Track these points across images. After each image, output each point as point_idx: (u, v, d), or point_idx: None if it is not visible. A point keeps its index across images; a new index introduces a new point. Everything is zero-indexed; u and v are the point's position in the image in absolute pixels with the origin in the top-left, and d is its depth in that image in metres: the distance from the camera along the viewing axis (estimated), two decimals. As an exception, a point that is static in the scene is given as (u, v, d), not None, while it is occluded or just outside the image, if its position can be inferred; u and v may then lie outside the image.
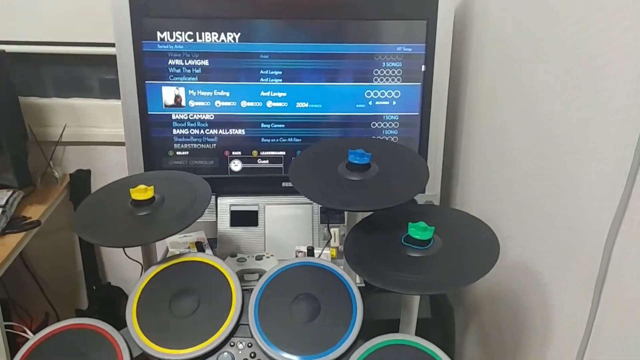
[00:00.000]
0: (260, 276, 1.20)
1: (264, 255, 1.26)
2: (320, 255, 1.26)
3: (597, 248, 0.81)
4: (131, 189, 0.98)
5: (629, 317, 0.75)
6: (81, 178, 1.59)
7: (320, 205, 1.34)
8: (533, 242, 1.04)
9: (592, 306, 0.83)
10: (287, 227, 1.34)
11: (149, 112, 1.29)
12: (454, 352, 1.42)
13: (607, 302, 0.81)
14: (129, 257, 1.14)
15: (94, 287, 1.69)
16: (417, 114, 1.33)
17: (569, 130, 0.91)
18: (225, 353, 0.92)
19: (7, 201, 1.32)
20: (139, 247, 1.05)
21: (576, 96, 0.89)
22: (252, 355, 0.92)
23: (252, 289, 0.99)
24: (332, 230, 1.32)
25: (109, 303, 1.71)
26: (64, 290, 1.73)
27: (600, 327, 0.82)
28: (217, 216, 1.34)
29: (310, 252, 1.11)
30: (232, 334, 0.93)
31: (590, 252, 0.84)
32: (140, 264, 1.09)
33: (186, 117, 1.30)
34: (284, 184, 1.36)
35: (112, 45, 1.43)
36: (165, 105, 1.29)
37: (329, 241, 1.27)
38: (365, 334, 0.92)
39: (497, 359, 1.23)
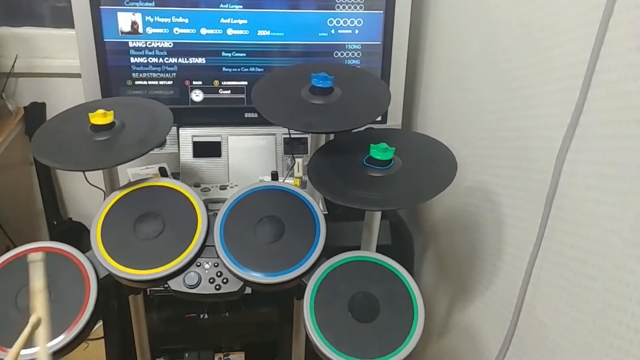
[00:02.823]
0: (224, 205, 1.21)
1: (228, 185, 1.26)
2: (284, 181, 1.27)
3: (549, 165, 0.85)
4: (90, 114, 0.96)
5: (577, 227, 0.80)
6: (36, 111, 1.54)
7: (283, 136, 1.35)
8: (488, 165, 1.08)
9: (542, 221, 0.88)
10: (250, 158, 1.34)
11: (105, 40, 1.25)
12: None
13: (556, 216, 0.85)
14: (90, 184, 1.13)
15: (55, 223, 1.68)
16: (380, 42, 1.33)
17: (524, 52, 0.93)
18: (192, 272, 0.93)
19: (-42, 133, 1.28)
20: (101, 176, 1.05)
21: (531, 21, 0.91)
22: (219, 274, 0.94)
23: (215, 214, 1.00)
24: (295, 160, 1.33)
25: (70, 238, 1.70)
26: (24, 226, 1.71)
27: (549, 240, 0.87)
28: (179, 147, 1.33)
29: (274, 176, 1.12)
30: (198, 254, 0.94)
31: (542, 169, 0.88)
32: (103, 190, 1.08)
33: (144, 45, 1.27)
34: (246, 115, 1.35)
35: (63, -31, 1.37)
36: (122, 33, 1.25)
37: (291, 168, 1.29)
38: (329, 257, 0.96)
39: (452, 282, 1.29)
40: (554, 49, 0.84)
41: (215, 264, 0.95)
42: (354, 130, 0.98)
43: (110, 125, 0.98)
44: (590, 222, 0.77)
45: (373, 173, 0.91)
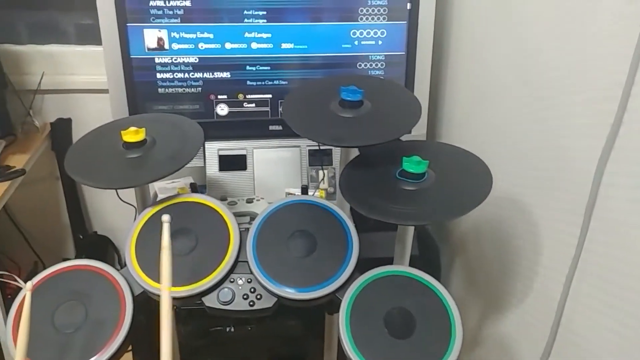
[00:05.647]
0: (251, 219, 1.21)
1: (254, 198, 1.26)
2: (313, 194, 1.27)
3: (587, 175, 0.83)
4: (122, 131, 0.97)
5: (618, 239, 0.79)
6: (62, 127, 1.56)
7: (308, 148, 1.34)
8: (520, 175, 1.06)
9: (581, 233, 0.86)
10: (276, 170, 1.34)
11: (131, 56, 1.26)
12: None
13: (596, 227, 0.84)
14: (122, 200, 1.14)
15: (81, 237, 1.69)
16: (403, 53, 1.33)
17: (558, 61, 0.92)
18: (226, 289, 0.93)
19: (-12, 150, 1.29)
20: (132, 192, 1.05)
21: (566, 27, 0.89)
22: (252, 290, 0.94)
23: (247, 229, 1.00)
24: (320, 172, 1.33)
25: (96, 252, 1.71)
26: (50, 240, 1.72)
27: (589, 252, 0.86)
28: (205, 161, 1.34)
29: (304, 190, 1.12)
30: (231, 270, 0.94)
31: (579, 180, 0.86)
32: (134, 207, 1.08)
33: (170, 61, 1.28)
34: (271, 127, 1.35)
35: (88, -14, 1.38)
36: (148, 49, 1.26)
37: (321, 180, 1.29)
38: (361, 269, 0.95)
39: (483, 294, 1.28)
40: (591, 59, 0.83)
41: (249, 280, 0.95)
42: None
43: (142, 143, 0.98)
44: (633, 233, 0.76)
45: (406, 186, 0.91)
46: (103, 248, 1.74)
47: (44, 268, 1.61)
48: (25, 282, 0.86)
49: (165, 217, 0.86)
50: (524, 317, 1.07)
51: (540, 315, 1.00)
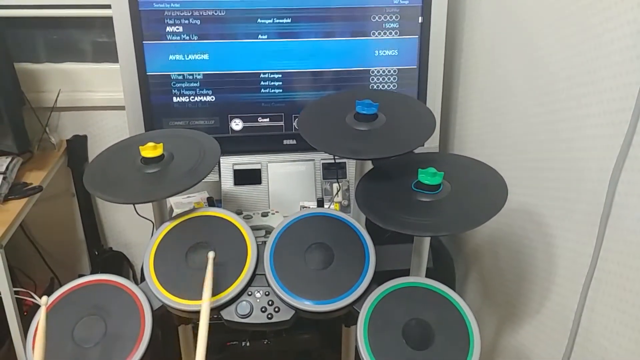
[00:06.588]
0: (266, 232, 1.22)
1: (269, 211, 1.27)
2: (329, 207, 1.28)
3: (602, 185, 0.84)
4: (141, 147, 0.98)
5: (634, 248, 0.79)
6: (78, 144, 1.58)
7: (322, 161, 1.35)
8: (534, 186, 1.07)
9: (597, 242, 0.87)
10: (290, 184, 1.35)
11: (148, 73, 1.28)
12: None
13: (612, 237, 0.84)
14: (140, 215, 1.15)
15: (96, 253, 1.70)
16: (415, 67, 1.34)
17: (570, 73, 0.93)
18: (244, 302, 0.94)
19: (7, 167, 1.31)
20: (148, 206, 1.06)
21: (577, 39, 0.90)
22: (270, 303, 0.94)
23: (263, 242, 1.00)
24: (334, 185, 1.34)
25: (111, 268, 1.73)
26: (65, 256, 1.74)
27: (605, 262, 0.86)
28: (220, 176, 1.35)
29: (320, 203, 1.13)
30: (249, 283, 0.95)
31: (593, 191, 0.87)
32: (152, 221, 1.10)
33: (185, 77, 1.30)
34: (285, 142, 1.36)
35: (104, 7, 1.42)
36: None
37: (336, 194, 1.30)
38: (377, 281, 0.95)
39: (498, 305, 1.27)
40: (604, 70, 0.84)
41: (267, 293, 0.95)
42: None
43: (160, 158, 1.00)
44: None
45: (422, 198, 0.91)
46: (118, 264, 1.75)
47: (60, 284, 1.64)
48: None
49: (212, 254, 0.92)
50: (541, 328, 1.07)
51: (558, 325, 0.99)
